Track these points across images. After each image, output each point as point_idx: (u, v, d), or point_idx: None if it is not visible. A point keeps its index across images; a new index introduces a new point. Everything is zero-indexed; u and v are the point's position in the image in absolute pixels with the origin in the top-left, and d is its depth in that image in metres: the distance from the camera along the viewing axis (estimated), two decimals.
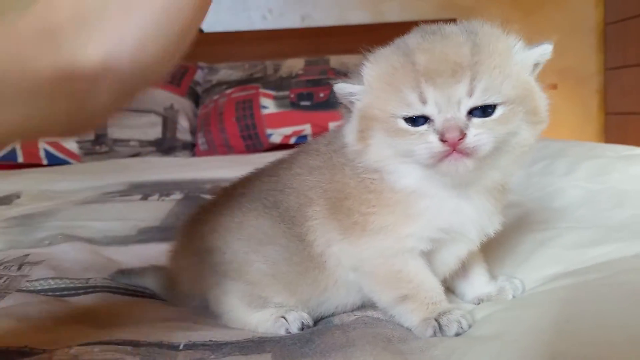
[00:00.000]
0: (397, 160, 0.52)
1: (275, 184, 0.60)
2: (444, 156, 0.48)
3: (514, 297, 0.60)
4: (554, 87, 2.38)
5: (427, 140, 0.49)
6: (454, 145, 0.48)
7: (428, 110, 0.49)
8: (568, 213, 0.84)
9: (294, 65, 2.28)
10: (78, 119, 0.38)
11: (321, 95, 2.11)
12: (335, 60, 2.28)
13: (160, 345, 0.53)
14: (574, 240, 0.70)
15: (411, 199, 0.53)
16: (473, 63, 0.48)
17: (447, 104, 0.49)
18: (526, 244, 0.72)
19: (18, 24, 0.33)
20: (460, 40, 0.50)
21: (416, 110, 0.50)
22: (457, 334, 0.50)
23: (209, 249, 0.60)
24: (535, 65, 0.53)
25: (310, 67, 2.25)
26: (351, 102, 0.56)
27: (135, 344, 0.53)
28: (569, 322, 0.45)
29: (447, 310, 0.52)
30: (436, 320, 0.51)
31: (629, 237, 0.68)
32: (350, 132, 0.55)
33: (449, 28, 0.52)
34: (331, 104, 2.02)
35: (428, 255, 0.56)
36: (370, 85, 0.54)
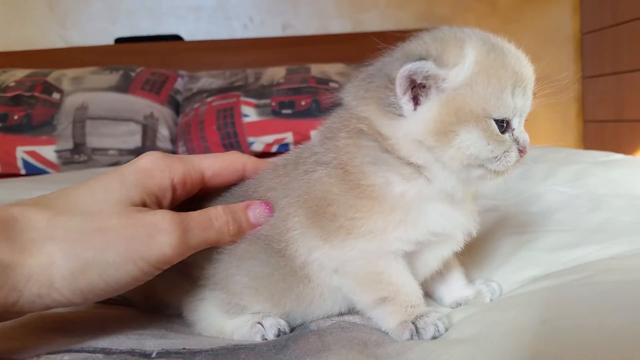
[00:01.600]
0: (461, 165, 0.50)
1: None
2: (514, 164, 0.51)
3: (491, 300, 0.60)
4: (533, 95, 2.42)
5: (512, 149, 0.51)
6: (524, 154, 0.52)
7: (515, 118, 0.51)
8: (546, 217, 0.84)
9: (275, 73, 2.28)
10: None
11: (302, 103, 2.10)
12: (316, 69, 2.28)
13: (132, 353, 0.52)
14: (551, 243, 0.71)
15: (412, 205, 0.52)
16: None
17: (524, 114, 0.52)
18: (504, 248, 0.72)
19: None
20: (524, 55, 0.53)
21: (509, 115, 0.50)
22: (434, 337, 0.50)
23: (187, 262, 0.58)
24: None
25: (292, 76, 2.25)
26: (424, 87, 0.50)
27: (107, 352, 0.52)
28: (547, 322, 0.45)
29: (424, 313, 0.52)
30: (413, 323, 0.51)
31: (606, 240, 0.68)
32: (418, 122, 0.50)
33: (502, 39, 0.53)
34: (312, 112, 2.03)
35: (410, 257, 0.55)
36: (472, 74, 0.49)
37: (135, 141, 2.10)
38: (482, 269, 0.69)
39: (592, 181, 1.00)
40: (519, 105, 0.51)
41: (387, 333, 0.53)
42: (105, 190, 0.52)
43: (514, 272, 0.66)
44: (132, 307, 0.69)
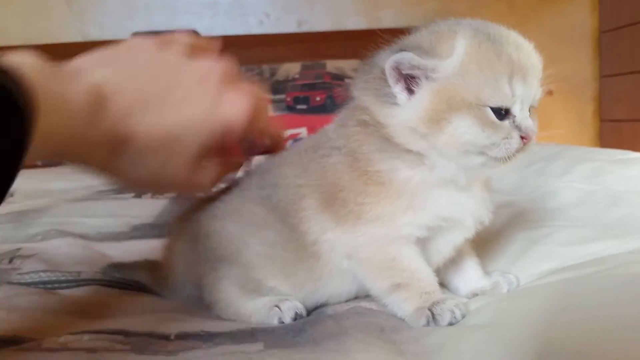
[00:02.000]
0: (458, 152, 0.51)
1: (268, 180, 0.60)
2: (517, 150, 0.51)
3: (508, 291, 0.60)
4: (550, 93, 2.39)
5: (512, 136, 0.51)
6: (528, 141, 0.52)
7: (516, 105, 0.51)
8: (563, 212, 0.84)
9: (290, 69, 2.28)
10: (161, 177, 0.52)
11: (317, 99, 2.11)
12: (331, 65, 2.28)
13: (151, 335, 0.53)
14: (568, 238, 0.70)
15: (418, 190, 0.53)
16: (541, 67, 0.53)
17: (527, 102, 0.52)
18: (520, 242, 0.72)
19: None
20: (529, 44, 0.54)
21: (507, 103, 0.51)
22: (450, 324, 0.50)
23: (205, 233, 0.61)
24: None
25: (307, 72, 2.25)
26: (414, 77, 0.51)
27: (126, 334, 0.53)
28: (564, 312, 0.45)
29: (440, 299, 0.52)
30: (429, 309, 0.51)
31: (625, 235, 0.68)
32: (411, 110, 0.52)
33: (504, 28, 0.54)
34: (327, 107, 2.03)
35: (423, 244, 0.56)
36: (462, 64, 0.50)
37: None
38: (499, 262, 0.69)
39: (610, 178, 0.99)
40: (519, 93, 0.51)
41: (404, 319, 0.53)
42: None
43: (531, 265, 0.66)
44: (150, 293, 0.70)
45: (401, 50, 0.51)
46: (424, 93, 0.51)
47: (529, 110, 0.53)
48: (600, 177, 1.01)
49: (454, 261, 0.61)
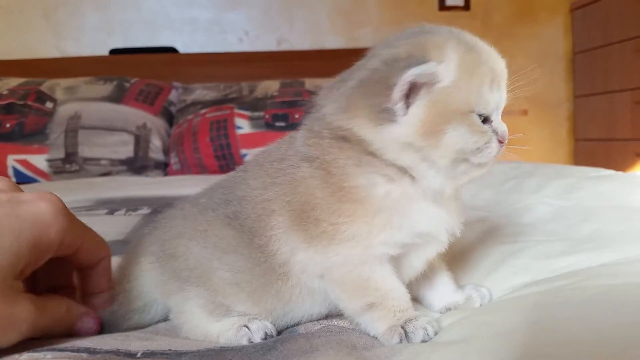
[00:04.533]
0: (449, 161, 0.51)
1: (233, 195, 0.58)
2: (495, 155, 0.53)
3: (481, 305, 0.59)
4: (525, 113, 2.44)
5: (492, 140, 0.52)
6: (502, 145, 0.53)
7: (495, 112, 0.53)
8: (537, 227, 0.84)
9: (269, 86, 2.29)
10: None
11: (296, 116, 2.11)
12: (310, 83, 2.30)
13: (117, 352, 0.51)
14: (542, 252, 0.71)
15: (397, 205, 0.52)
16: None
17: (501, 107, 0.54)
18: (494, 256, 0.72)
19: None
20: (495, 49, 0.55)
21: (490, 109, 0.52)
22: (423, 341, 0.49)
23: (172, 254, 0.58)
24: None
25: (286, 89, 2.26)
26: (414, 88, 0.49)
27: (92, 351, 0.51)
28: (537, 324, 0.44)
29: (413, 317, 0.51)
30: (402, 327, 0.50)
31: (596, 249, 0.69)
32: (407, 125, 0.50)
33: (472, 34, 0.55)
34: None
35: (395, 260, 0.54)
36: (455, 71, 0.50)
37: (128, 151, 2.10)
38: (472, 276, 0.68)
39: (582, 194, 1.00)
40: (496, 99, 0.52)
41: (376, 338, 0.52)
42: None
43: (504, 279, 0.66)
44: None
45: (409, 62, 0.49)
46: (421, 105, 0.49)
47: None
48: (573, 193, 1.02)
49: (427, 276, 0.60)
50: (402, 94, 0.49)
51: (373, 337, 0.53)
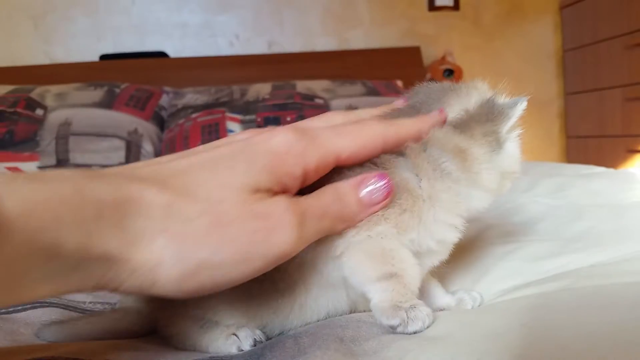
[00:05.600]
0: None
1: None
2: None
3: (472, 308, 0.59)
4: None
5: None
6: None
7: None
8: (528, 227, 0.84)
9: (261, 89, 2.28)
10: None
11: (288, 119, 2.11)
12: (301, 85, 2.29)
13: None
14: (533, 253, 0.70)
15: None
16: None
17: None
18: (486, 259, 0.71)
19: None
20: None
21: None
22: (415, 332, 0.48)
23: None
24: None
25: (277, 92, 2.25)
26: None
27: None
28: (526, 325, 0.44)
29: (417, 304, 0.50)
30: (406, 311, 0.49)
31: (587, 248, 0.69)
32: (506, 157, 0.57)
33: None
34: None
35: None
36: None
37: (119, 157, 2.09)
38: (464, 280, 0.68)
39: (574, 192, 1.00)
40: None
41: (372, 310, 0.50)
42: (230, 173, 0.45)
43: (496, 282, 0.66)
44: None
45: (512, 101, 0.56)
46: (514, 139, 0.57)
47: None
48: (564, 191, 1.02)
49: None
50: (512, 126, 0.56)
51: (370, 307, 0.51)
